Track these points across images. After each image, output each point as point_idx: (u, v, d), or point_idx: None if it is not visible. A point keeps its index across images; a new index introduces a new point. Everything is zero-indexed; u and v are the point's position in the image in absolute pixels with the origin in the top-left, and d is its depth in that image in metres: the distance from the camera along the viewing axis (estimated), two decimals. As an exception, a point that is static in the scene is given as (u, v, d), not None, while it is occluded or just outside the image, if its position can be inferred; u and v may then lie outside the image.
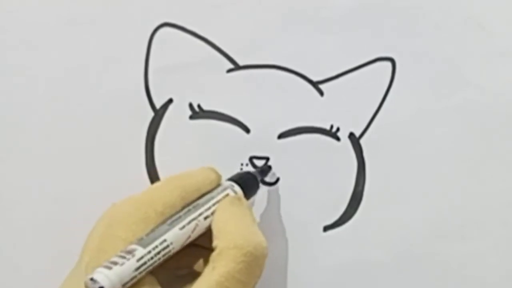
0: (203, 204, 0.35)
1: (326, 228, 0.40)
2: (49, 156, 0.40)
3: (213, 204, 0.35)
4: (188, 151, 0.40)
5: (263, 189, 0.40)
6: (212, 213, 0.35)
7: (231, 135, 0.40)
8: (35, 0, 0.41)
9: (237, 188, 0.37)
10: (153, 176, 0.40)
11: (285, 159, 0.40)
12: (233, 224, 0.34)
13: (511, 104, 0.40)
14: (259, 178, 0.39)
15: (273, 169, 0.40)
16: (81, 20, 0.41)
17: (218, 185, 0.37)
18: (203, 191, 0.36)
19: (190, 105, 0.40)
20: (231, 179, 0.37)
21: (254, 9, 0.40)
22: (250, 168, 0.40)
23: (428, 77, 0.40)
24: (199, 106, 0.40)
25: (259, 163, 0.40)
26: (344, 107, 0.40)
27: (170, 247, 0.33)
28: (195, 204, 0.35)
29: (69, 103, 0.40)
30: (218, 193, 0.36)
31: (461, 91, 0.40)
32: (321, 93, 0.40)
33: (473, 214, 0.40)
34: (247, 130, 0.40)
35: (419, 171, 0.40)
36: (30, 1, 0.41)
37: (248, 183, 0.38)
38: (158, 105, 0.40)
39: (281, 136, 0.40)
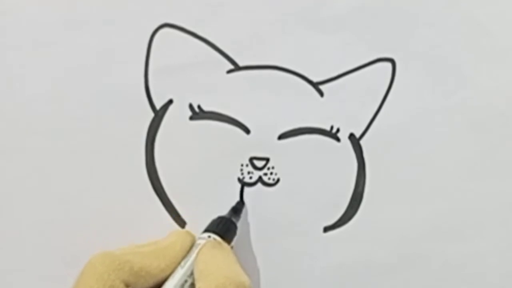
0: (183, 266, 0.36)
1: (326, 229, 0.40)
2: (49, 156, 0.40)
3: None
4: (188, 152, 0.40)
5: (263, 190, 0.40)
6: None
7: (231, 135, 0.40)
8: (35, 0, 0.40)
9: (214, 236, 0.37)
10: (153, 177, 0.40)
11: (285, 160, 0.40)
12: (215, 265, 0.34)
13: (511, 104, 0.40)
14: (235, 220, 0.39)
15: (274, 170, 0.40)
16: (81, 20, 0.41)
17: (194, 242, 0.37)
18: (180, 258, 0.36)
19: (190, 106, 0.40)
20: (206, 230, 0.37)
21: (254, 9, 0.40)
22: (250, 169, 0.40)
23: (428, 77, 0.40)
24: (199, 106, 0.40)
25: (259, 163, 0.40)
26: (344, 107, 0.40)
27: None
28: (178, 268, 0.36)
29: (69, 103, 0.40)
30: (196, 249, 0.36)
31: (461, 91, 0.40)
32: (321, 93, 0.40)
33: (473, 214, 0.40)
34: (247, 131, 0.40)
35: (419, 172, 0.40)
36: (30, 1, 0.41)
37: (224, 228, 0.38)
38: (158, 105, 0.40)
39: (281, 136, 0.40)
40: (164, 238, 0.38)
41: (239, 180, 0.40)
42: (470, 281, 0.40)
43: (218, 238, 0.37)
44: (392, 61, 0.40)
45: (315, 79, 0.40)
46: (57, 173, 0.40)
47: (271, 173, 0.40)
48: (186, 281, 0.35)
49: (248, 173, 0.40)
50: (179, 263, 0.36)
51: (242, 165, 0.40)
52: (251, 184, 0.40)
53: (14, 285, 0.41)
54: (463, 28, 0.40)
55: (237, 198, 0.40)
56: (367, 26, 0.40)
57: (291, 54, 0.40)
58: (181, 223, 0.40)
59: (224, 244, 0.37)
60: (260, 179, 0.40)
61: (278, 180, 0.40)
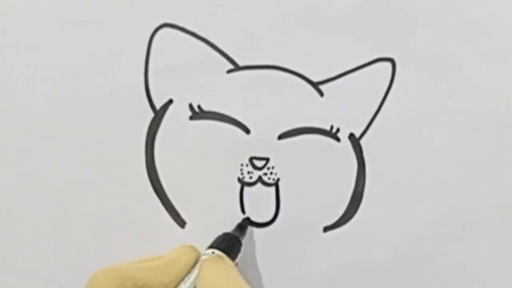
0: (186, 282, 0.36)
1: (326, 229, 0.40)
2: (48, 156, 0.40)
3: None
4: (188, 152, 0.40)
5: (263, 190, 0.40)
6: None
7: (231, 135, 0.40)
8: (35, 0, 0.41)
9: (218, 252, 0.37)
10: (153, 177, 0.40)
11: (285, 160, 0.40)
12: (218, 281, 0.34)
13: (511, 104, 0.40)
14: (240, 237, 0.38)
15: (274, 170, 0.40)
16: (81, 20, 0.41)
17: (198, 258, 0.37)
18: (184, 273, 0.36)
19: (190, 106, 0.40)
20: (211, 247, 0.37)
21: (254, 9, 0.40)
22: (250, 169, 0.40)
23: (428, 77, 0.40)
24: (199, 106, 0.40)
25: (259, 163, 0.40)
26: (344, 107, 0.40)
27: None
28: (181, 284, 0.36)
29: (69, 103, 0.40)
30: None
31: (461, 91, 0.40)
32: (321, 93, 0.40)
33: (473, 214, 0.40)
34: (247, 131, 0.40)
35: (419, 172, 0.40)
36: (30, 1, 0.41)
37: (229, 245, 0.37)
38: (158, 105, 0.40)
39: (281, 136, 0.40)
40: (169, 252, 0.38)
41: (239, 180, 0.40)
42: (470, 281, 0.40)
43: (222, 254, 0.37)
44: (392, 61, 0.40)
45: (315, 79, 0.40)
46: (57, 173, 0.40)
47: (271, 173, 0.40)
48: None
49: (248, 173, 0.40)
50: (182, 279, 0.36)
51: (242, 165, 0.40)
52: (251, 184, 0.40)
53: (14, 285, 0.41)
54: (463, 28, 0.40)
55: (237, 198, 0.40)
56: (367, 26, 0.40)
57: (291, 54, 0.40)
58: (181, 223, 0.40)
59: (227, 260, 0.36)
60: (260, 179, 0.40)
61: (278, 180, 0.40)
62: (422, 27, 0.40)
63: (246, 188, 0.40)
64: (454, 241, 0.40)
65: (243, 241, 0.39)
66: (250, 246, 0.40)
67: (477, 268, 0.40)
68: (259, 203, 0.40)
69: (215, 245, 0.37)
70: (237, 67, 0.40)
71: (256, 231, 0.40)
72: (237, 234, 0.39)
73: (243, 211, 0.40)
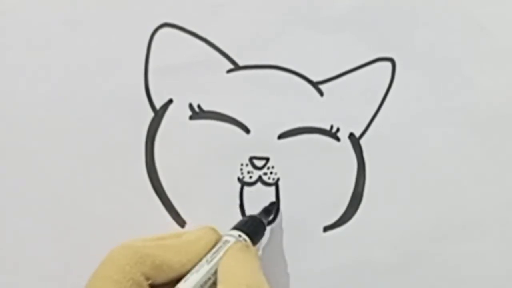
0: (209, 262, 0.35)
1: (326, 229, 0.40)
2: (48, 156, 0.40)
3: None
4: (188, 152, 0.40)
5: (262, 190, 0.40)
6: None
7: (231, 135, 0.40)
8: (35, 1, 0.41)
9: (244, 236, 0.37)
10: (153, 176, 0.40)
11: (285, 160, 0.40)
12: (239, 270, 0.34)
13: (511, 104, 0.40)
14: (264, 221, 0.39)
15: (273, 169, 0.40)
16: (81, 20, 0.41)
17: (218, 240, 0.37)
18: (203, 254, 0.36)
19: (190, 106, 0.40)
20: (236, 228, 0.37)
21: (254, 9, 0.40)
22: (250, 168, 0.40)
23: (428, 77, 0.40)
24: (199, 106, 0.40)
25: (259, 163, 0.40)
26: (344, 107, 0.40)
27: None
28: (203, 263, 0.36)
29: (69, 103, 0.40)
30: (224, 247, 0.36)
31: (461, 91, 0.40)
32: (321, 93, 0.40)
33: (473, 214, 0.40)
34: (247, 131, 0.40)
35: (419, 171, 0.40)
36: (30, 1, 0.41)
37: (254, 229, 0.38)
38: (158, 105, 0.40)
39: (281, 136, 0.40)
40: (190, 232, 0.38)
41: (239, 179, 0.40)
42: (470, 281, 0.40)
43: (247, 239, 0.37)
44: (392, 60, 0.40)
45: (315, 79, 0.40)
46: (57, 173, 0.40)
47: (271, 173, 0.40)
48: (209, 278, 0.35)
49: (248, 172, 0.40)
50: (200, 259, 0.36)
51: (242, 164, 0.40)
52: (251, 184, 0.40)
53: (14, 285, 0.41)
54: (463, 28, 0.40)
55: (237, 198, 0.40)
56: (367, 26, 0.40)
57: (291, 54, 0.40)
58: (181, 222, 0.40)
59: (252, 248, 0.37)
60: (260, 178, 0.40)
61: (278, 179, 0.40)
62: (422, 27, 0.40)
63: (246, 188, 0.40)
64: (454, 241, 0.40)
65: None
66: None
67: (477, 268, 0.40)
68: (259, 203, 0.40)
69: (241, 227, 0.37)
70: (237, 67, 0.40)
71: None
72: (262, 218, 0.39)
73: (243, 210, 0.40)
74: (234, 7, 0.40)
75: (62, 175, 0.40)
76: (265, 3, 0.40)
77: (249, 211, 0.40)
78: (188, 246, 0.36)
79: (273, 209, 0.40)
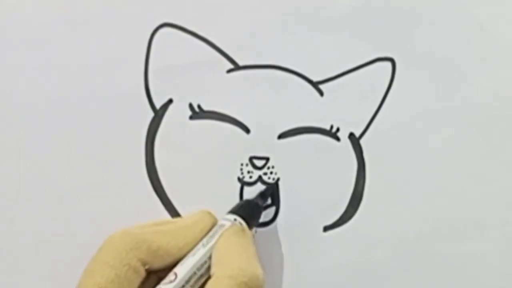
0: (205, 245, 0.36)
1: (326, 228, 0.40)
2: (48, 156, 0.40)
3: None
4: (188, 151, 0.40)
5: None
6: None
7: (231, 135, 0.40)
8: (35, 0, 0.41)
9: (240, 220, 0.37)
10: (153, 176, 0.40)
11: (285, 159, 0.40)
12: (233, 254, 0.35)
13: (511, 104, 0.40)
14: (261, 204, 0.39)
15: (273, 169, 0.40)
16: (81, 20, 0.41)
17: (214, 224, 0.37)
18: (199, 238, 0.36)
19: (190, 105, 0.40)
20: (232, 212, 0.37)
21: (254, 9, 0.40)
22: (250, 168, 0.40)
23: (428, 77, 0.40)
24: (199, 106, 0.40)
25: (259, 163, 0.40)
26: (344, 107, 0.40)
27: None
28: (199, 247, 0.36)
29: (69, 103, 0.40)
30: (220, 231, 0.36)
31: (461, 91, 0.40)
32: (321, 93, 0.40)
33: (473, 214, 0.40)
34: (247, 130, 0.40)
35: (419, 171, 0.40)
36: (30, 1, 0.41)
37: (250, 213, 0.38)
38: (158, 105, 0.40)
39: (281, 136, 0.40)
40: (186, 217, 0.39)
41: (239, 179, 0.40)
42: (470, 281, 0.40)
43: (243, 223, 0.37)
44: (392, 60, 0.40)
45: (315, 79, 0.40)
46: (57, 173, 0.40)
47: (271, 173, 0.40)
48: (205, 262, 0.35)
49: (248, 172, 0.40)
50: (197, 243, 0.36)
51: (242, 164, 0.40)
52: (251, 184, 0.40)
53: (14, 285, 0.41)
54: (463, 28, 0.40)
55: (237, 198, 0.40)
56: (367, 26, 0.40)
57: (291, 54, 0.40)
58: (181, 222, 0.40)
59: (247, 232, 0.37)
60: (260, 178, 0.40)
61: (278, 179, 0.40)
62: (422, 27, 0.40)
63: (246, 188, 0.40)
64: (454, 241, 0.40)
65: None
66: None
67: (477, 268, 0.40)
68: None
69: (236, 210, 0.37)
70: (237, 67, 0.40)
71: (255, 230, 0.40)
72: (258, 202, 0.39)
73: (243, 210, 0.40)
74: (234, 7, 0.40)
75: (62, 175, 0.40)
76: (265, 3, 0.40)
77: (249, 211, 0.40)
78: (185, 231, 0.36)
79: (269, 193, 0.40)
